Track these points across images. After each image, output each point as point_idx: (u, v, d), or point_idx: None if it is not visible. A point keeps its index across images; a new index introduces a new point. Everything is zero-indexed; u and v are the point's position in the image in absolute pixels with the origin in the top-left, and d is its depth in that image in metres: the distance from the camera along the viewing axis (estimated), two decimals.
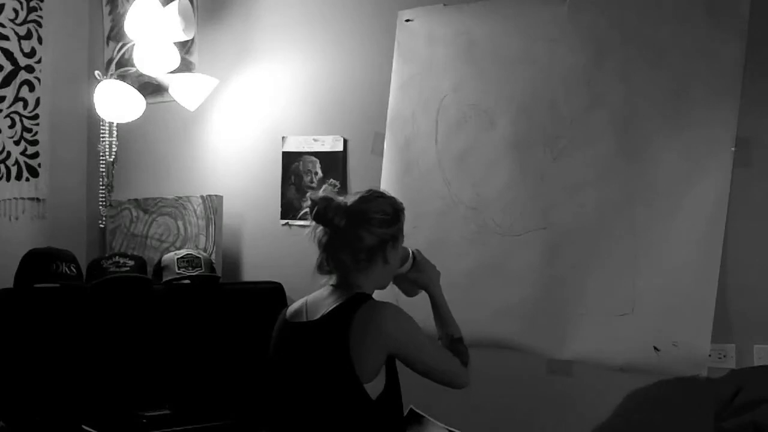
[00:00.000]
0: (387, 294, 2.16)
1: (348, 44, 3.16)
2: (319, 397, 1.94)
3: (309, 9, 3.27)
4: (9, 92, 3.57)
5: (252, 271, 3.38)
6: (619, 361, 2.50)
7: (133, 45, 3.36)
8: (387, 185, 2.97)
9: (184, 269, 3.02)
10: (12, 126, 3.58)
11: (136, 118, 3.39)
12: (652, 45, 2.52)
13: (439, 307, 2.18)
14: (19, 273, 2.92)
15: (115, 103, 3.33)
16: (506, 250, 2.72)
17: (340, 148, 3.15)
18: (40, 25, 3.66)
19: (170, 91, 3.38)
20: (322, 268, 2.01)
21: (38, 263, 2.91)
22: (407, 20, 2.99)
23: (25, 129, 3.62)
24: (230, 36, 3.48)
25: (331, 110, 3.20)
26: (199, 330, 2.97)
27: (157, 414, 2.72)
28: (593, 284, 2.57)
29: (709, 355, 2.35)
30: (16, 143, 3.60)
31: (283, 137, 3.29)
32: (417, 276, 2.16)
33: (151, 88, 3.52)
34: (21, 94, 3.61)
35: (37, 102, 3.66)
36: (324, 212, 1.96)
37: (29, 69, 3.63)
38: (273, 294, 3.16)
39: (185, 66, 3.49)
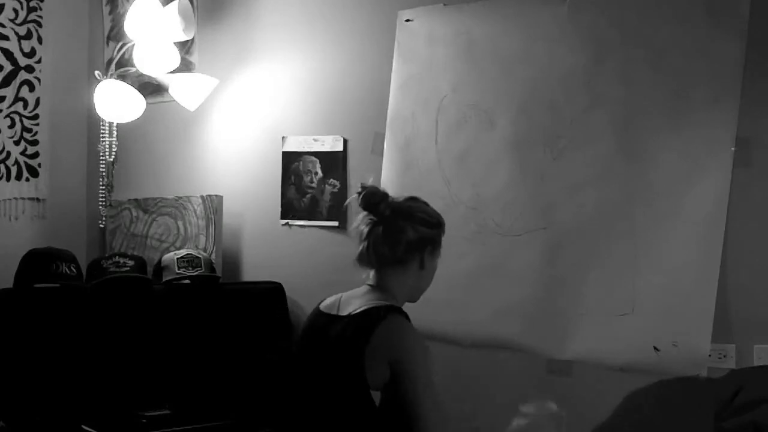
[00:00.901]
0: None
1: (348, 44, 3.16)
2: (330, 390, 1.99)
3: (309, 9, 3.27)
4: (9, 92, 3.57)
5: (252, 271, 3.38)
6: (619, 361, 2.50)
7: (133, 45, 3.36)
8: (387, 185, 2.97)
9: (184, 269, 3.02)
10: (12, 126, 3.58)
11: (136, 118, 3.39)
12: (652, 45, 2.52)
13: None
14: (19, 273, 2.92)
15: (115, 103, 3.33)
16: (506, 250, 2.72)
17: (340, 148, 3.15)
18: (40, 25, 3.66)
19: (170, 91, 3.38)
20: (361, 258, 2.05)
21: (38, 263, 2.91)
22: (407, 20, 2.99)
23: (25, 129, 3.62)
24: (230, 36, 3.48)
25: (331, 110, 3.19)
26: (199, 330, 2.97)
27: (157, 414, 2.72)
28: (593, 284, 2.57)
29: (709, 355, 2.35)
30: (16, 143, 3.60)
31: (283, 137, 3.29)
32: None
33: (151, 88, 3.52)
34: (21, 94, 3.61)
35: (37, 102, 3.66)
36: (371, 198, 2.03)
37: (29, 69, 3.63)
38: (273, 294, 3.16)
39: (185, 66, 3.49)
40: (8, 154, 3.57)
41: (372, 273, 2.07)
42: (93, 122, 3.69)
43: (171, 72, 3.36)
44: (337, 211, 3.16)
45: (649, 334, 2.44)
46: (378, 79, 3.03)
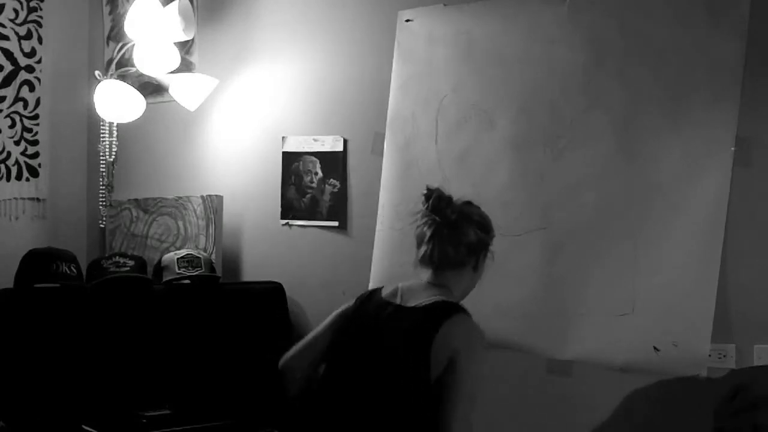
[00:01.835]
0: None
1: (348, 44, 3.16)
2: (389, 380, 1.99)
3: (309, 9, 3.27)
4: (9, 92, 3.57)
5: (252, 271, 3.38)
6: (619, 361, 2.50)
7: (133, 45, 3.36)
8: (387, 185, 2.97)
9: (184, 269, 3.02)
10: (12, 126, 3.58)
11: (136, 118, 3.40)
12: (652, 45, 2.52)
13: None
14: (19, 273, 2.92)
15: (115, 103, 3.33)
16: (506, 250, 2.71)
17: (340, 148, 3.15)
18: (40, 25, 3.66)
19: (170, 91, 3.39)
20: (424, 259, 2.11)
21: (38, 263, 2.91)
22: (407, 20, 2.99)
23: (25, 129, 3.62)
24: (230, 36, 3.48)
25: (331, 110, 3.20)
26: (199, 330, 2.97)
27: (157, 414, 2.72)
28: (593, 284, 2.57)
29: (709, 355, 2.35)
30: (17, 143, 3.60)
31: (283, 137, 3.29)
32: None
33: (151, 88, 3.52)
34: (21, 94, 3.61)
35: (38, 102, 3.66)
36: (439, 202, 2.10)
37: (29, 69, 3.63)
38: (273, 294, 3.16)
39: (185, 66, 3.49)
40: (8, 154, 3.57)
41: (430, 273, 2.12)
42: (93, 122, 3.70)
43: (171, 72, 3.36)
44: (337, 211, 3.16)
45: (649, 334, 2.44)
46: (378, 79, 3.03)
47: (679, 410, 2.45)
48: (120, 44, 3.64)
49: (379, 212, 2.98)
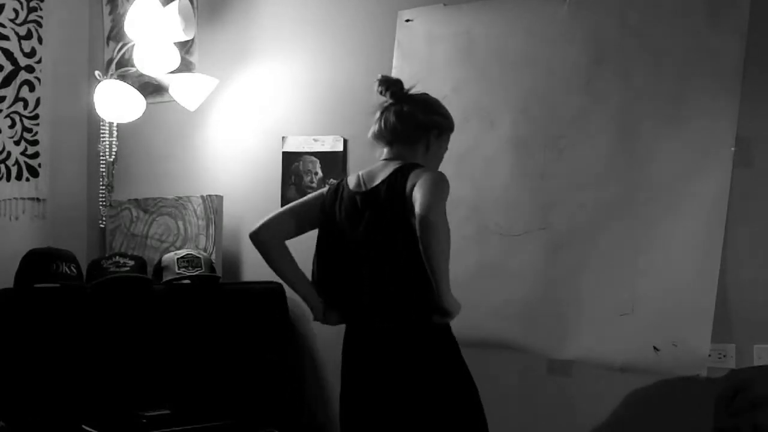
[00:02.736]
0: None
1: (348, 44, 3.16)
2: (383, 243, 2.17)
3: (309, 9, 3.27)
4: (9, 92, 3.57)
5: (252, 271, 3.38)
6: (619, 361, 2.50)
7: (133, 45, 3.36)
8: None
9: (184, 269, 3.02)
10: (12, 126, 3.58)
11: (136, 118, 3.39)
12: (652, 45, 2.52)
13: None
14: (19, 273, 2.92)
15: (115, 103, 3.33)
16: (506, 250, 2.72)
17: (340, 148, 3.15)
18: (40, 25, 3.66)
19: (170, 91, 3.38)
20: (375, 135, 2.33)
21: (38, 263, 2.91)
22: (407, 20, 2.99)
23: (25, 129, 3.62)
24: (230, 36, 3.48)
25: (331, 110, 3.19)
26: (199, 330, 2.97)
27: (157, 414, 2.72)
28: (593, 284, 2.57)
29: (709, 355, 2.35)
30: (17, 143, 3.60)
31: (283, 137, 3.29)
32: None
33: (151, 88, 3.52)
34: (21, 94, 3.60)
35: (38, 102, 3.66)
36: (387, 84, 2.31)
37: (29, 69, 3.63)
38: (273, 294, 3.16)
39: (185, 66, 3.49)
40: (8, 154, 3.57)
41: (386, 150, 2.31)
42: (93, 122, 3.69)
43: (171, 72, 3.36)
44: None
45: (649, 334, 2.44)
46: None
47: (679, 410, 2.45)
48: (120, 44, 3.64)
49: None
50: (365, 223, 2.20)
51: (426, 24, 2.94)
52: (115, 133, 3.52)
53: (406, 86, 2.32)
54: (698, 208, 2.41)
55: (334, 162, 3.16)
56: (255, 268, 3.37)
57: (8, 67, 3.56)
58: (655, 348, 2.43)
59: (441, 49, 2.90)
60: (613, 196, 2.56)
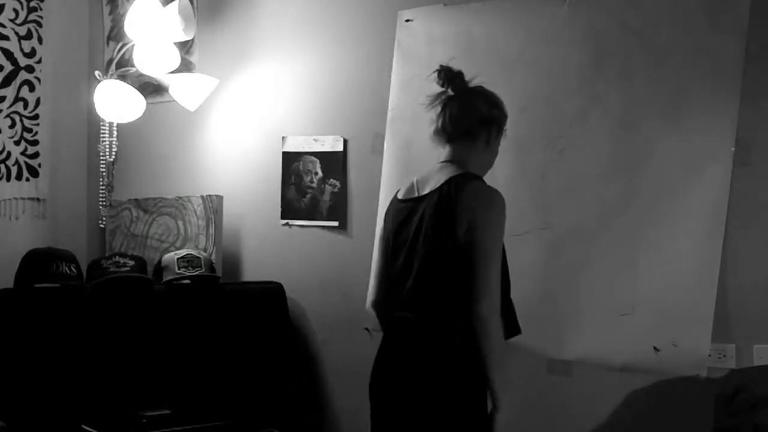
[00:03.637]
0: None
1: (348, 44, 3.16)
2: (427, 251, 2.13)
3: (309, 9, 3.27)
4: (9, 92, 3.57)
5: (252, 271, 3.38)
6: (619, 361, 2.50)
7: (133, 45, 3.36)
8: (387, 185, 2.97)
9: (184, 269, 3.02)
10: (12, 126, 3.58)
11: (136, 118, 3.39)
12: (652, 45, 2.52)
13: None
14: (19, 273, 2.92)
15: (115, 103, 3.33)
16: (507, 249, 2.72)
17: (340, 148, 3.15)
18: (40, 25, 3.66)
19: (170, 91, 3.38)
20: (437, 131, 2.23)
21: (38, 263, 2.91)
22: (407, 20, 2.99)
23: (25, 129, 3.62)
24: (230, 36, 3.48)
25: (331, 110, 3.20)
26: (199, 330, 2.97)
27: (157, 414, 2.71)
28: (593, 284, 2.57)
29: (709, 355, 2.35)
30: (17, 143, 3.60)
31: (283, 137, 3.29)
32: None
33: (151, 88, 3.52)
34: (21, 94, 3.60)
35: (38, 102, 3.66)
36: (449, 75, 2.22)
37: (29, 69, 3.63)
38: (273, 294, 3.16)
39: (185, 66, 3.49)
40: (8, 154, 3.57)
41: (446, 150, 2.23)
42: (93, 122, 3.69)
43: (171, 72, 3.36)
44: (337, 211, 3.16)
45: (649, 334, 2.44)
46: (378, 79, 3.04)
47: (679, 410, 2.46)
48: (120, 44, 3.64)
49: (379, 212, 2.98)
50: (413, 229, 2.17)
51: (426, 24, 2.94)
52: (115, 133, 3.52)
53: (467, 78, 2.24)
54: (698, 208, 2.41)
55: (334, 162, 3.16)
56: (255, 268, 3.38)
57: (8, 67, 3.56)
58: (655, 348, 2.43)
59: (441, 49, 2.90)
60: (613, 196, 2.56)
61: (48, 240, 3.49)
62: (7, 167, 3.57)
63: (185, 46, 3.51)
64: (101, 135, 3.52)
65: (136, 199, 3.50)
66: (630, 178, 2.53)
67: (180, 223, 3.36)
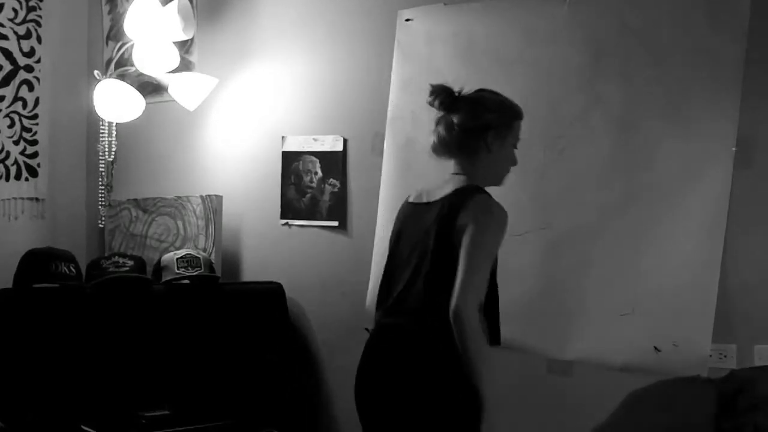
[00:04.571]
0: None
1: (348, 44, 3.16)
2: (420, 260, 2.13)
3: (309, 9, 3.27)
4: (8, 92, 3.56)
5: (252, 271, 3.38)
6: (619, 361, 2.50)
7: (133, 45, 3.35)
8: (387, 185, 2.97)
9: (183, 269, 3.02)
10: (11, 126, 3.57)
11: (135, 117, 3.39)
12: (652, 45, 2.52)
13: None
14: (18, 273, 2.92)
15: (114, 102, 3.33)
16: (506, 250, 2.69)
17: (340, 148, 3.15)
18: (39, 24, 3.65)
19: (170, 90, 3.38)
20: (434, 149, 2.21)
21: (37, 263, 2.91)
22: (407, 20, 2.98)
23: (24, 129, 3.62)
24: (230, 36, 3.47)
25: (331, 110, 3.19)
26: (199, 330, 2.97)
27: (157, 414, 2.71)
28: (593, 284, 2.56)
29: (710, 355, 2.35)
30: (16, 143, 3.60)
31: (283, 137, 3.29)
32: None
33: (150, 88, 3.52)
34: (20, 94, 3.60)
35: (37, 102, 3.65)
36: (439, 96, 2.17)
37: (28, 69, 3.62)
38: (273, 294, 3.16)
39: (185, 65, 3.49)
40: (8, 153, 3.57)
41: (452, 163, 2.21)
42: (92, 122, 3.69)
43: (170, 72, 3.36)
44: (337, 211, 3.15)
45: (649, 334, 2.44)
46: (378, 79, 3.03)
47: (680, 410, 2.45)
48: (119, 44, 3.63)
49: (379, 212, 2.97)
50: (414, 233, 2.18)
51: (426, 24, 2.94)
52: (114, 133, 3.52)
53: (456, 89, 2.18)
54: (699, 208, 2.41)
55: (333, 162, 3.16)
56: (255, 268, 3.38)
57: (7, 66, 3.56)
58: (655, 348, 2.43)
59: (441, 48, 2.90)
60: (613, 195, 2.55)
61: (47, 240, 3.49)
62: (6, 167, 3.57)
63: (184, 46, 3.51)
64: (100, 135, 3.52)
65: (135, 199, 3.50)
66: (630, 178, 2.53)
67: (179, 223, 3.35)
